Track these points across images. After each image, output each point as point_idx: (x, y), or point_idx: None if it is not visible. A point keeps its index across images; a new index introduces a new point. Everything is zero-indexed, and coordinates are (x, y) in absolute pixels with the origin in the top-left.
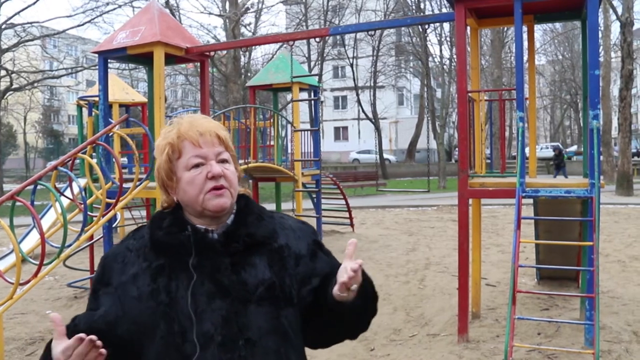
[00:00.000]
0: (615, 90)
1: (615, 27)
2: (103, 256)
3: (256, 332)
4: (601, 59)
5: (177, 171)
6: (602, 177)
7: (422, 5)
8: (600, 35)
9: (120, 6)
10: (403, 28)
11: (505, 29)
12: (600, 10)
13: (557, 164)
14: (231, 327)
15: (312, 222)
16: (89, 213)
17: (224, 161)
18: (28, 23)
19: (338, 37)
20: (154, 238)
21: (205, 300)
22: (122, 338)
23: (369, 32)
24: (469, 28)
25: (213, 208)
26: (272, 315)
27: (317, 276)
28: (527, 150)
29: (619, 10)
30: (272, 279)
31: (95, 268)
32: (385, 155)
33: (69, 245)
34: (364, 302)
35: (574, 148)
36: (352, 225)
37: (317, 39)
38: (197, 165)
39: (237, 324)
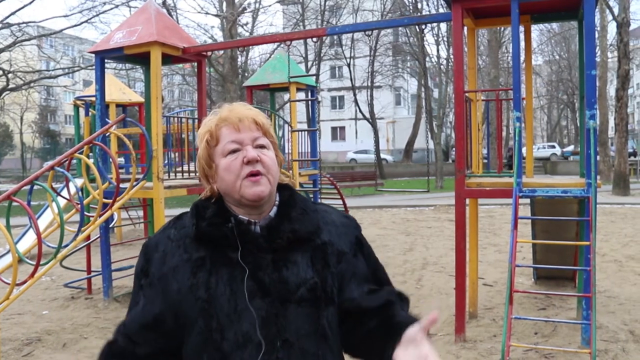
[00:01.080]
0: (611, 90)
1: (612, 28)
2: (144, 244)
3: (294, 334)
4: (598, 59)
5: (215, 158)
6: (598, 177)
7: (419, 6)
8: (596, 35)
9: (117, 6)
10: (400, 28)
11: (502, 29)
12: (596, 10)
13: (511, 165)
14: (269, 328)
15: None
16: (85, 213)
17: (261, 147)
18: (24, 23)
19: (335, 37)
20: (198, 229)
21: (245, 298)
22: (172, 330)
23: (366, 32)
24: (465, 28)
25: (250, 197)
26: (312, 316)
27: (356, 276)
28: (523, 150)
29: (616, 11)
30: (314, 279)
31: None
32: (382, 155)
33: (66, 246)
34: None
35: (570, 148)
36: None
37: (315, 39)
38: (233, 151)
39: (276, 325)
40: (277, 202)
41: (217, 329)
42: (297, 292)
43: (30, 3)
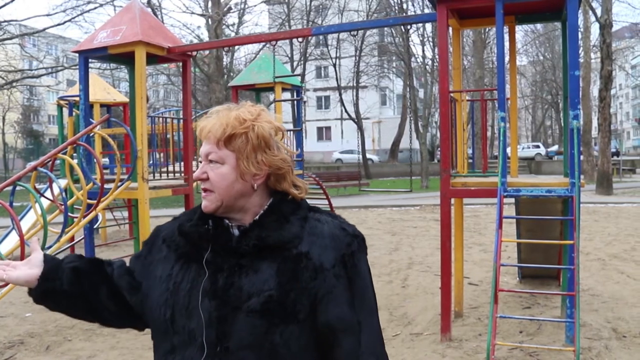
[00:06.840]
0: (595, 90)
1: (595, 29)
2: (157, 226)
3: (236, 343)
4: (581, 60)
5: None
6: (582, 177)
7: (404, 6)
8: (580, 36)
9: (101, 5)
10: (385, 28)
11: (487, 29)
12: (580, 11)
13: None
14: (212, 331)
15: None
16: (69, 214)
17: (211, 162)
18: (5, 21)
19: (321, 37)
20: (180, 228)
21: (199, 298)
22: (138, 302)
23: (352, 33)
24: (450, 29)
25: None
26: (260, 329)
27: (332, 298)
28: (508, 150)
29: (599, 12)
30: (271, 292)
31: None
32: (368, 155)
33: (50, 247)
34: None
35: (555, 148)
36: None
37: (300, 39)
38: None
39: (217, 330)
40: (264, 209)
41: (172, 321)
42: (248, 301)
43: (12, 1)
